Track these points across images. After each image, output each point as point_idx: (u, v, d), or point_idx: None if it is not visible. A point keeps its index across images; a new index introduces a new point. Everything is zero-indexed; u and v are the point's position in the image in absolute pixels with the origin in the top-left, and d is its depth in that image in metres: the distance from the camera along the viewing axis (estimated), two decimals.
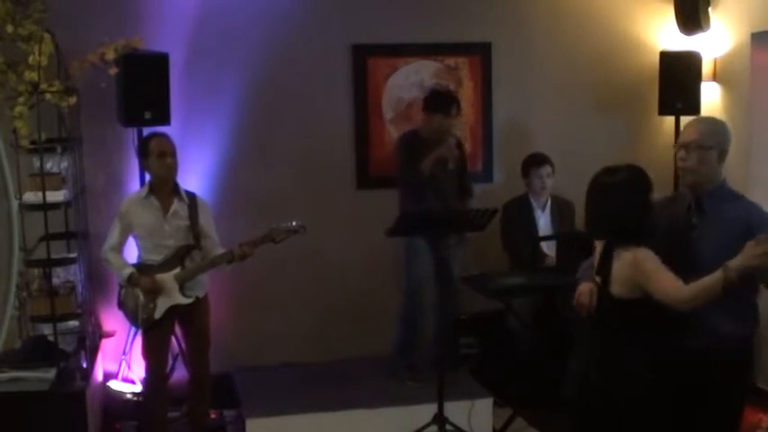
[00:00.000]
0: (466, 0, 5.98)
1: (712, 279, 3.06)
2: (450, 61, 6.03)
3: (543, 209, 5.73)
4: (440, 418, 4.72)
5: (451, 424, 4.76)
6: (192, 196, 4.87)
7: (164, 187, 4.79)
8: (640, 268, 3.23)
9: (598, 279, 3.39)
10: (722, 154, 3.41)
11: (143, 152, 4.81)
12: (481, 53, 6.05)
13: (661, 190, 5.82)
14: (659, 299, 3.19)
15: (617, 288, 3.31)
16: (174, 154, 4.77)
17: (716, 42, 6.06)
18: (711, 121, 3.60)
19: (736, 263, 3.01)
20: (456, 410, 4.84)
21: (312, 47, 5.79)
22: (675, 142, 6.05)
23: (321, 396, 5.25)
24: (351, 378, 5.56)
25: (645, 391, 3.29)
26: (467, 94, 6.00)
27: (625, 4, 6.21)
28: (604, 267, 3.35)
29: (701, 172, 3.39)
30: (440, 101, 5.46)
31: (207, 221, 4.86)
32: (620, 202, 3.34)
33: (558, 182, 5.81)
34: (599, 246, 3.42)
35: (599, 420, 3.40)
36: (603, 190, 3.40)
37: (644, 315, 3.28)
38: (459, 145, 5.60)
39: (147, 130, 5.12)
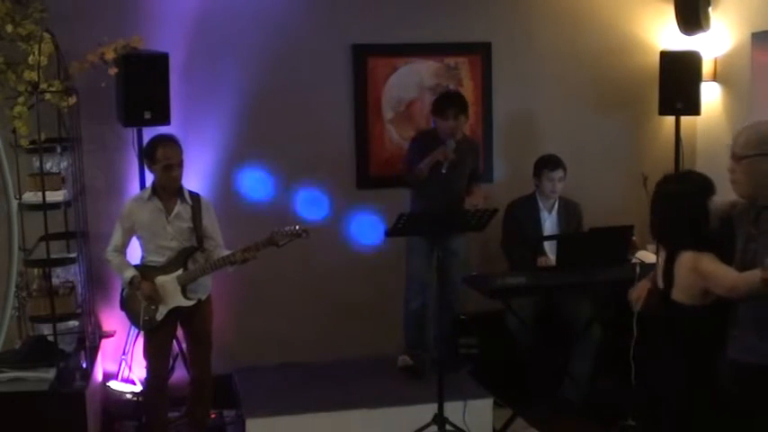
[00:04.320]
0: (466, 0, 5.98)
1: (754, 272, 3.09)
2: (450, 61, 6.03)
3: (550, 211, 5.71)
4: (440, 418, 4.72)
5: (451, 424, 4.76)
6: (195, 197, 4.86)
7: (167, 189, 4.80)
8: (701, 271, 3.32)
9: (662, 284, 3.50)
10: None
11: (149, 157, 4.78)
12: (481, 53, 6.05)
13: None
14: (717, 293, 3.26)
15: (678, 294, 3.42)
16: (180, 164, 4.75)
17: (716, 42, 6.06)
18: (759, 128, 3.35)
19: None
20: (456, 410, 4.84)
21: (312, 47, 5.79)
22: (676, 142, 6.14)
23: (321, 396, 5.25)
24: (351, 378, 5.56)
25: (688, 400, 3.39)
26: (467, 94, 5.97)
27: (625, 4, 6.21)
28: (668, 273, 3.46)
29: (749, 183, 3.28)
30: (439, 104, 5.47)
31: (210, 223, 4.86)
32: (679, 210, 3.44)
33: None
34: (662, 252, 3.54)
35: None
36: (662, 197, 3.50)
37: (701, 322, 3.37)
38: (476, 148, 5.63)
39: (147, 130, 5.12)
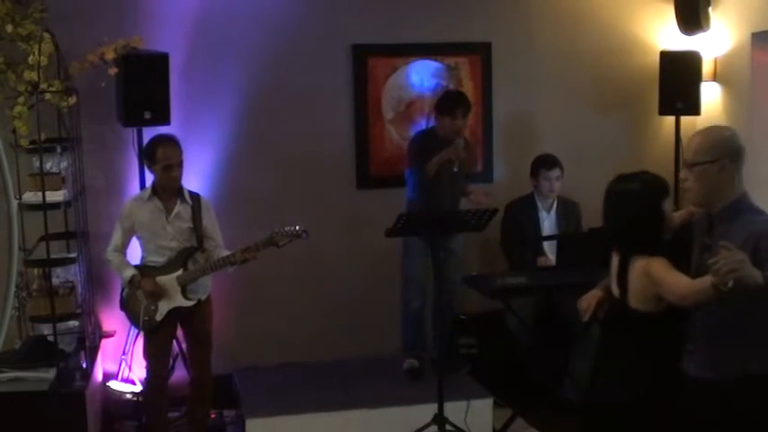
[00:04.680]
0: (466, 0, 5.98)
1: (705, 278, 2.89)
2: (450, 61, 6.03)
3: (549, 210, 5.71)
4: (440, 418, 4.72)
5: (451, 424, 4.76)
6: (195, 197, 4.86)
7: (167, 190, 4.80)
8: (652, 276, 3.15)
9: (617, 290, 3.32)
10: (727, 167, 3.09)
11: (149, 157, 4.78)
12: (481, 53, 6.05)
13: None
14: (669, 300, 3.10)
15: (633, 300, 3.25)
16: (180, 164, 4.75)
17: (716, 42, 6.06)
18: (709, 133, 3.20)
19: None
20: (456, 410, 4.84)
21: (312, 47, 5.79)
22: (675, 142, 6.14)
23: (321, 396, 5.24)
24: (351, 378, 5.56)
25: (645, 408, 3.21)
26: (467, 94, 5.99)
27: (625, 4, 6.21)
28: (622, 278, 3.29)
29: (701, 191, 3.14)
30: (446, 103, 5.45)
31: (210, 223, 4.86)
32: (633, 211, 3.26)
33: None
34: (616, 255, 3.34)
35: (601, 427, 3.37)
36: (616, 198, 3.32)
37: (658, 330, 3.21)
38: (468, 146, 5.62)
39: (147, 130, 5.12)
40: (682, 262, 3.16)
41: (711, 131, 3.22)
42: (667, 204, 3.26)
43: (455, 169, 5.30)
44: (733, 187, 3.12)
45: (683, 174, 3.21)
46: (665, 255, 3.17)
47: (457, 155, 5.29)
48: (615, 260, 3.35)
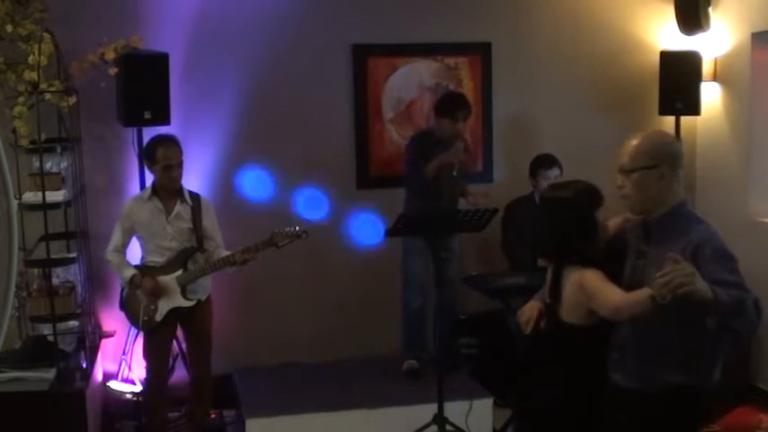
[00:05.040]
0: (466, 0, 5.98)
1: (643, 290, 2.78)
2: (450, 61, 6.03)
3: None
4: (440, 418, 4.72)
5: (451, 424, 4.76)
6: (196, 197, 4.86)
7: (167, 190, 4.80)
8: (585, 288, 3.03)
9: (549, 302, 3.22)
10: (666, 173, 2.98)
11: (149, 157, 4.79)
12: (481, 53, 6.05)
13: None
14: (602, 314, 2.98)
15: (565, 313, 3.15)
16: (180, 164, 4.76)
17: (716, 42, 6.06)
18: (647, 138, 3.07)
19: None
20: (456, 410, 4.83)
21: (312, 47, 5.79)
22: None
23: (321, 396, 5.25)
24: (351, 378, 5.56)
25: (571, 418, 3.16)
26: (467, 94, 5.99)
27: (625, 4, 6.21)
28: (555, 290, 3.18)
29: (639, 197, 3.01)
30: (447, 105, 5.45)
31: (211, 224, 4.86)
32: (566, 219, 3.13)
33: None
34: (549, 265, 3.24)
35: None
36: (549, 206, 3.23)
37: (588, 342, 3.10)
38: (467, 147, 5.62)
39: (147, 130, 5.12)
40: (616, 271, 3.07)
41: (650, 136, 3.09)
42: (601, 214, 3.15)
43: (454, 173, 5.30)
44: (672, 194, 3.00)
45: (619, 180, 3.06)
46: (599, 265, 3.07)
47: (457, 158, 5.28)
48: (550, 270, 3.23)
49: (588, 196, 3.15)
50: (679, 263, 2.62)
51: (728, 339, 2.98)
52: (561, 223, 3.15)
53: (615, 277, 3.04)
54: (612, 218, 3.23)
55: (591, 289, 3.02)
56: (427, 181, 5.31)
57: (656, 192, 2.99)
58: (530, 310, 3.35)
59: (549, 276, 3.24)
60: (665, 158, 2.99)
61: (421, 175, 5.31)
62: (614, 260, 3.12)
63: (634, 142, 3.04)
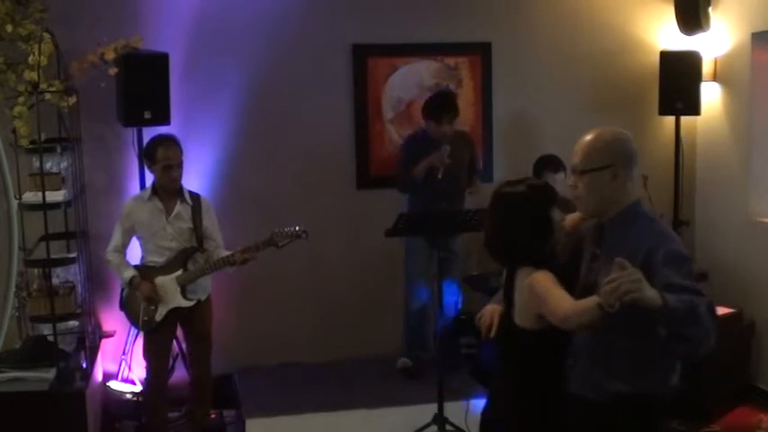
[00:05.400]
0: (466, 0, 5.98)
1: (590, 299, 2.64)
2: (450, 61, 6.03)
3: None
4: (440, 418, 4.72)
5: (451, 424, 4.76)
6: (196, 197, 4.87)
7: (167, 190, 4.79)
8: (535, 291, 2.89)
9: (503, 303, 3.11)
10: (619, 173, 2.88)
11: (149, 157, 4.80)
12: (481, 53, 6.05)
13: (662, 190, 5.92)
14: (551, 320, 2.84)
15: (517, 316, 3.01)
16: (180, 164, 4.76)
17: (716, 42, 6.06)
18: (600, 137, 2.96)
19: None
20: (456, 410, 4.82)
21: (312, 47, 5.79)
22: (676, 142, 6.14)
23: (321, 396, 5.25)
24: (351, 378, 5.56)
25: (526, 427, 3.04)
26: (467, 94, 6.00)
27: (625, 4, 6.21)
28: (508, 292, 3.05)
29: (592, 199, 2.90)
30: (431, 108, 5.47)
31: (211, 223, 4.86)
32: (516, 217, 3.00)
33: None
34: (504, 266, 3.13)
35: None
36: (502, 203, 3.07)
37: (542, 348, 2.97)
38: (470, 141, 5.61)
39: (147, 130, 5.12)
40: (571, 273, 2.95)
41: (602, 135, 2.96)
42: (556, 214, 3.01)
43: (439, 176, 5.30)
44: (626, 194, 2.90)
45: (571, 180, 2.96)
46: (554, 267, 2.94)
47: (441, 162, 5.29)
48: (504, 272, 3.12)
49: (543, 193, 3.04)
50: (626, 268, 2.50)
51: (683, 349, 2.78)
52: (514, 221, 3.01)
53: (570, 280, 2.91)
54: (570, 215, 3.11)
55: (540, 293, 2.88)
56: (415, 182, 5.34)
57: (609, 193, 2.89)
58: (490, 315, 3.21)
59: (504, 277, 3.11)
60: (618, 158, 2.90)
61: (408, 177, 5.35)
62: (571, 261, 3.01)
63: (587, 141, 2.95)
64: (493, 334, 3.17)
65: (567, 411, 2.96)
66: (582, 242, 3.04)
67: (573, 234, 3.08)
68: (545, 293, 2.86)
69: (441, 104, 5.47)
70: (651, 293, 2.52)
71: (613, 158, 2.89)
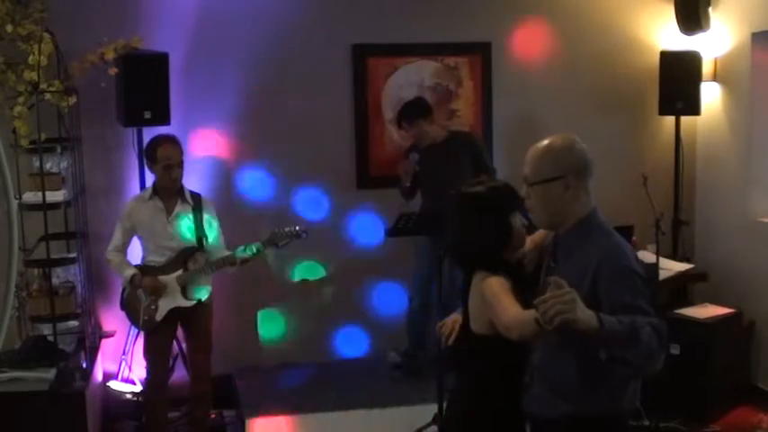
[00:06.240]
0: (466, 0, 5.98)
1: (529, 311, 2.53)
2: (450, 61, 6.02)
3: None
4: (440, 418, 4.71)
5: None
6: (196, 197, 4.87)
7: (168, 190, 4.79)
8: (486, 297, 2.77)
9: (461, 309, 3.00)
10: (571, 183, 2.76)
11: (150, 157, 4.80)
12: (481, 53, 6.05)
13: (662, 190, 5.92)
14: (498, 328, 2.73)
15: (472, 322, 2.90)
16: (180, 164, 4.77)
17: (716, 42, 6.06)
18: (551, 146, 2.83)
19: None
20: None
21: (312, 47, 5.79)
22: (676, 142, 6.14)
23: (321, 396, 5.25)
24: (351, 378, 5.56)
25: None
26: (467, 94, 6.00)
27: (625, 4, 6.21)
28: (465, 296, 2.93)
29: (544, 211, 2.79)
30: (396, 115, 5.57)
31: (212, 223, 4.86)
32: (474, 219, 2.90)
33: None
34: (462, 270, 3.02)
35: None
36: (460, 203, 2.96)
37: (498, 358, 2.86)
38: (471, 141, 5.64)
39: (147, 130, 5.13)
40: (533, 286, 2.82)
41: (553, 144, 2.82)
42: (516, 219, 2.90)
43: (407, 184, 5.38)
44: (579, 205, 2.77)
45: (524, 191, 2.84)
46: (519, 278, 2.84)
47: (405, 170, 5.37)
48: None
49: (503, 196, 2.92)
50: (562, 287, 2.39)
51: (625, 372, 2.62)
52: (471, 223, 2.90)
53: (534, 292, 2.71)
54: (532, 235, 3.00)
55: (489, 298, 2.76)
56: (404, 192, 5.45)
57: (560, 205, 2.76)
58: (451, 323, 3.11)
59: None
60: (569, 168, 2.76)
61: (399, 187, 5.47)
62: (535, 274, 2.90)
63: (537, 150, 2.83)
64: (451, 341, 3.08)
65: (520, 428, 2.89)
66: (544, 255, 2.94)
67: (539, 246, 2.97)
68: (493, 299, 2.74)
69: (401, 109, 5.56)
70: (585, 315, 2.41)
71: (565, 169, 2.76)
